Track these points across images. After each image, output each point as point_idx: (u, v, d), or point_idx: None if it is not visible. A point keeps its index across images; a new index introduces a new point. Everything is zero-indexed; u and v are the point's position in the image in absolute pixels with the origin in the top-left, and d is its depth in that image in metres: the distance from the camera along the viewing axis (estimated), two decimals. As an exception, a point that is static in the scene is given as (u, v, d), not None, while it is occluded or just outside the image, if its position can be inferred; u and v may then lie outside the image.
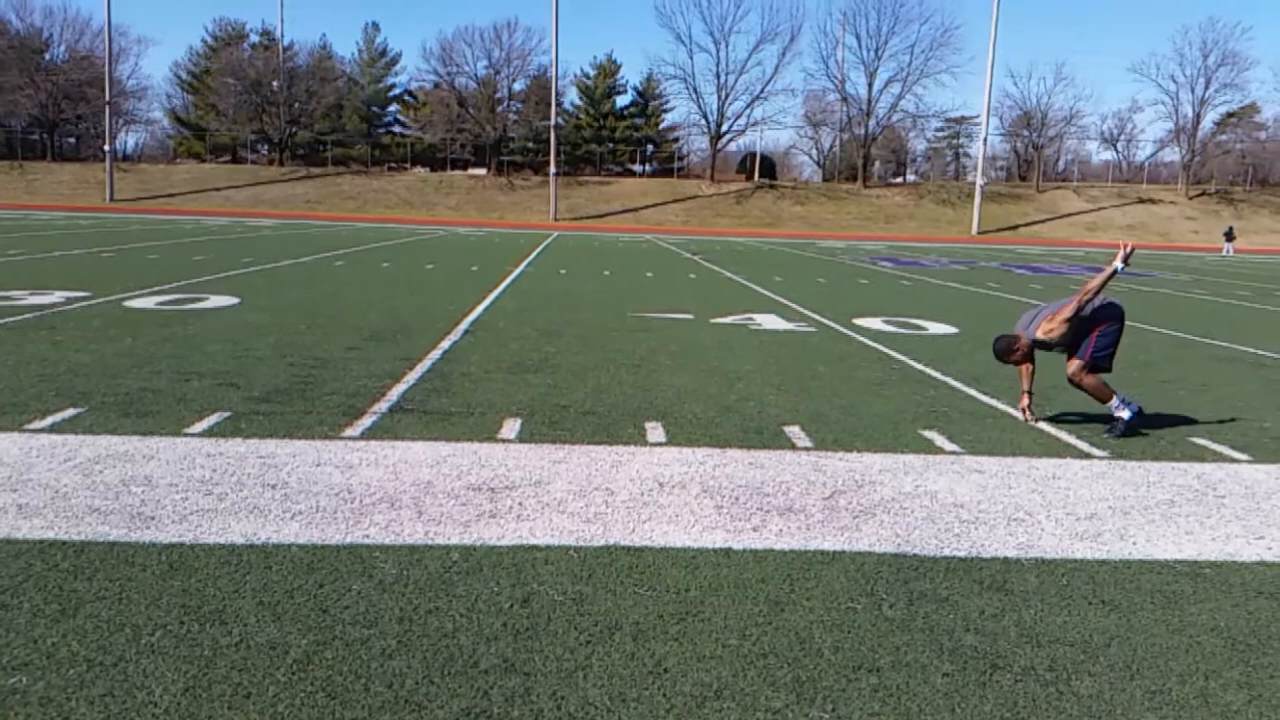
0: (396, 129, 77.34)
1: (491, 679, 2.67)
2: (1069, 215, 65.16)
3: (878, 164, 76.95)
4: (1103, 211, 65.84)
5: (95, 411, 5.57)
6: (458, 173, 69.34)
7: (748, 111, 70.92)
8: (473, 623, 3.01)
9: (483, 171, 69.06)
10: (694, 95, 72.10)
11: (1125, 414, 5.91)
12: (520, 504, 4.18)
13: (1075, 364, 6.02)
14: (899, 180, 77.32)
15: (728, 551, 3.73)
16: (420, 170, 70.34)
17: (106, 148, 59.67)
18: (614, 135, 74.53)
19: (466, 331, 9.57)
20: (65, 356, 7.33)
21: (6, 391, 5.99)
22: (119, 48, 64.87)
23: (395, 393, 6.45)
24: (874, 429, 5.90)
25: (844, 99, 71.61)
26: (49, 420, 5.32)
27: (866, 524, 4.11)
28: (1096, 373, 6.00)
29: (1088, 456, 5.44)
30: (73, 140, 74.17)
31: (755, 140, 79.11)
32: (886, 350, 9.25)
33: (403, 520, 3.93)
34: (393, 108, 77.36)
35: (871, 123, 70.95)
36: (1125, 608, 3.37)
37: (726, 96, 69.88)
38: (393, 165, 71.83)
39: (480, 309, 11.63)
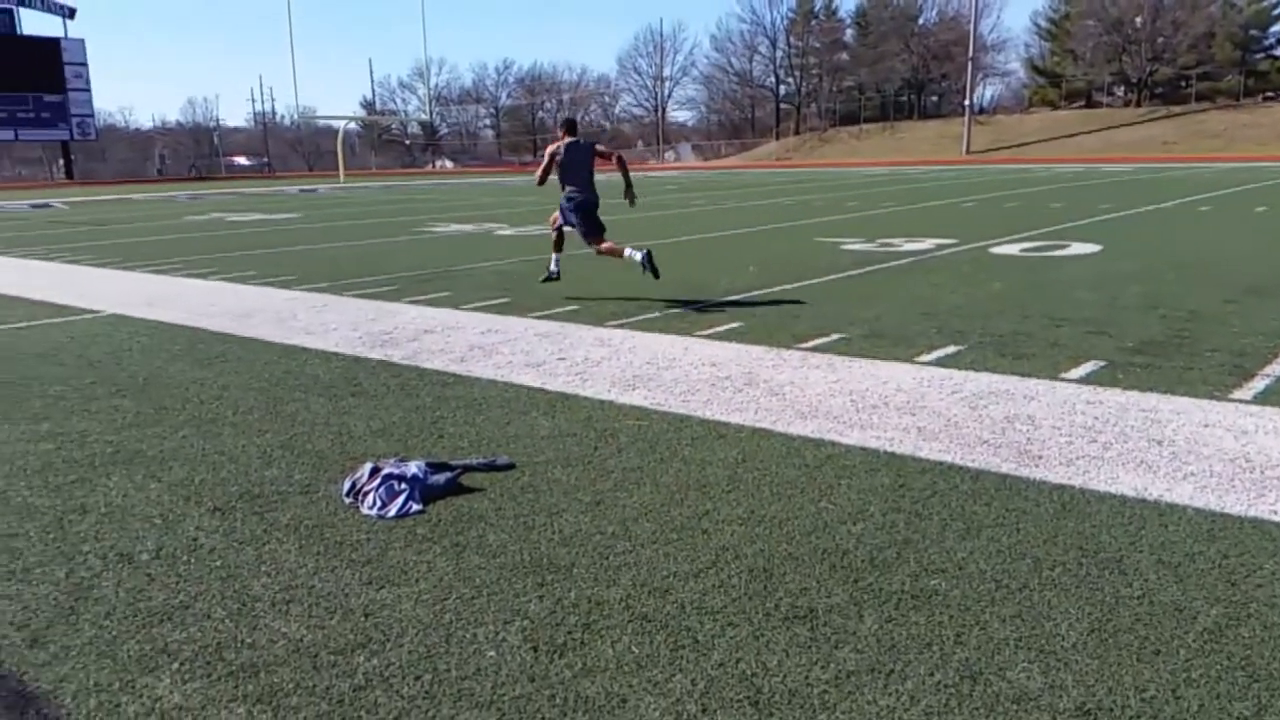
0: (1278, 52, 66.55)
1: None
2: None
3: None
4: None
5: (973, 350, 5.98)
6: (1362, 95, 56.94)
7: None
8: None
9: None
10: None
11: (637, 255, 7.79)
12: None
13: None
14: None
15: None
16: (1311, 97, 59.57)
17: (965, 103, 63.53)
18: None
19: (1385, 288, 7.85)
20: (941, 297, 8.03)
21: (898, 326, 6.80)
22: (983, 4, 68.06)
23: (1294, 355, 5.61)
24: None
25: None
26: (934, 355, 5.88)
27: None
28: (593, 240, 8.07)
29: None
30: (935, 99, 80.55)
31: None
32: None
33: (1319, 503, 3.39)
34: (1276, 28, 66.62)
35: None
36: None
37: None
38: (1269, 95, 62.08)
39: (1402, 261, 9.43)
